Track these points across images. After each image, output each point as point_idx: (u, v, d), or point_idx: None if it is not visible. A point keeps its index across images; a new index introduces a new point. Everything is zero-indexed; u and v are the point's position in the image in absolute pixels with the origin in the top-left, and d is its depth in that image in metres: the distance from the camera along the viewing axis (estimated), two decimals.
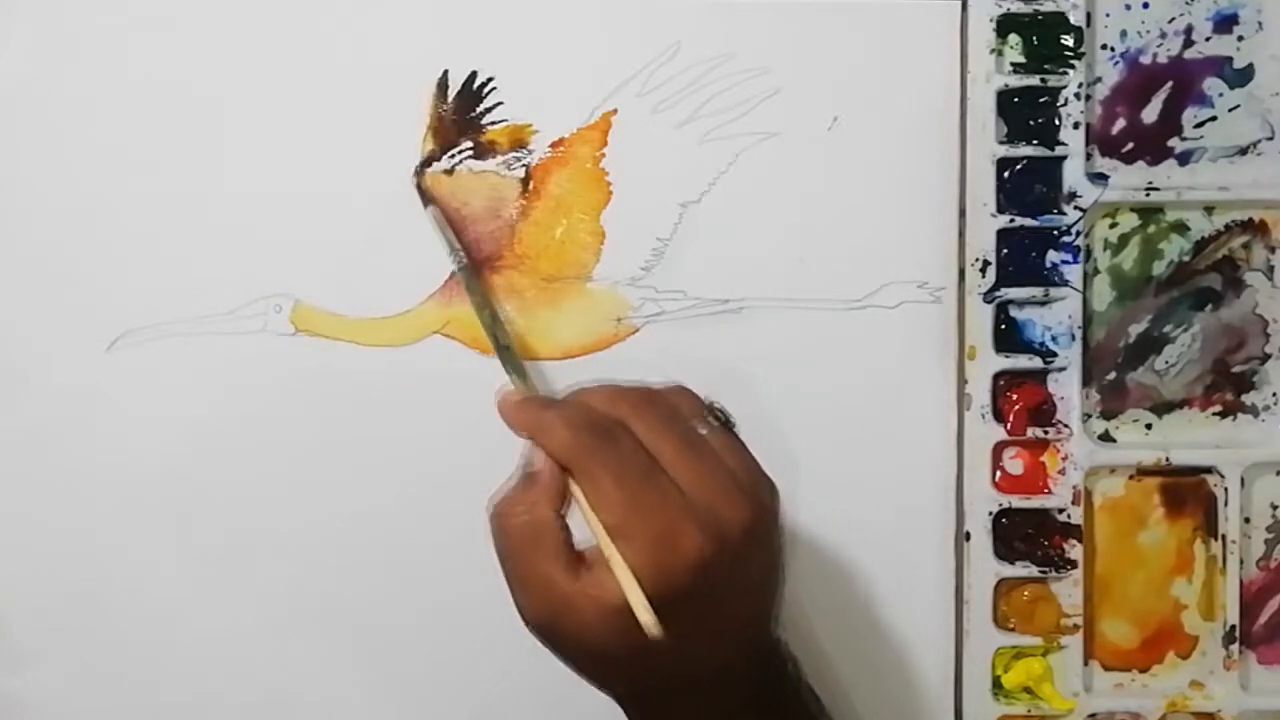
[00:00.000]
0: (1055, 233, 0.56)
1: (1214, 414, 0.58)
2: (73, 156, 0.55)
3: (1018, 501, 0.56)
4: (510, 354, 0.53)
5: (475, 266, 0.55)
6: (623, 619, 0.43)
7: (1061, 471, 0.57)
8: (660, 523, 0.43)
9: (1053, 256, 0.56)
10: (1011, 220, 0.56)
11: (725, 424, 0.47)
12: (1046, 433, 0.57)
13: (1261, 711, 0.57)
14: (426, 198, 0.55)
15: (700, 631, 0.44)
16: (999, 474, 0.57)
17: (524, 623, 0.46)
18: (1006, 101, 0.56)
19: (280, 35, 0.55)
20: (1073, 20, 0.56)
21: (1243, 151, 0.57)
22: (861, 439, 0.56)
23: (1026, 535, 0.57)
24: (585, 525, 0.45)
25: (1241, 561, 0.57)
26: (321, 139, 0.55)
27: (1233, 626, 0.57)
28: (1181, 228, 0.57)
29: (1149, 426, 0.58)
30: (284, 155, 0.55)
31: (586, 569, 0.44)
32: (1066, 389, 0.57)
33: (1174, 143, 0.57)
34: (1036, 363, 0.56)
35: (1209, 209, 0.57)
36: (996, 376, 0.56)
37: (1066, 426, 0.57)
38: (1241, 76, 0.57)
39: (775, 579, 0.48)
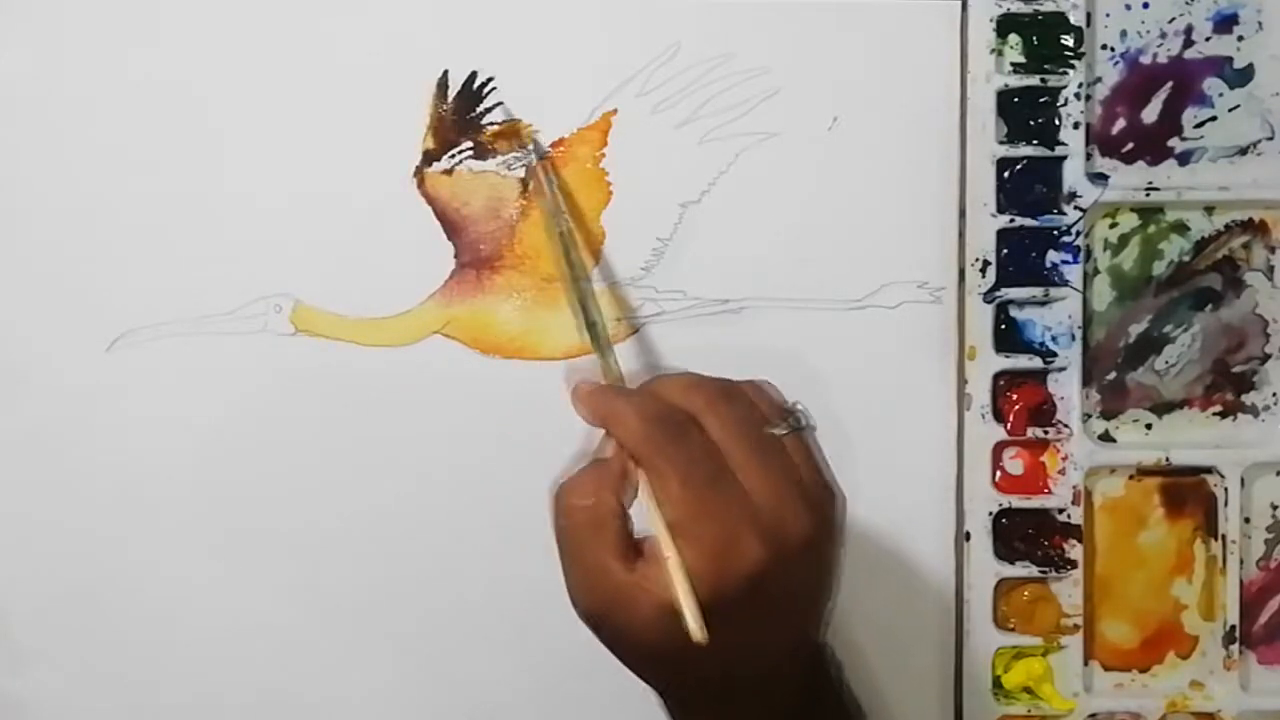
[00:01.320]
0: (1055, 233, 0.56)
1: (1214, 414, 0.58)
2: (73, 156, 0.55)
3: (1018, 501, 0.56)
4: (599, 332, 0.52)
5: (572, 237, 0.54)
6: (673, 616, 0.43)
7: (1061, 471, 0.57)
8: (722, 528, 0.43)
9: (1053, 256, 0.56)
10: (1011, 220, 0.56)
11: (801, 427, 0.47)
12: (1046, 433, 0.57)
13: (1261, 711, 0.57)
14: (540, 153, 0.55)
15: (749, 637, 0.44)
16: (999, 474, 0.57)
17: (574, 608, 0.46)
18: (1006, 101, 0.56)
19: (280, 35, 0.55)
20: (1073, 20, 0.56)
21: (1243, 151, 0.57)
22: (861, 439, 0.56)
23: (1026, 535, 0.57)
24: (646, 517, 0.44)
25: (1241, 561, 0.57)
26: (321, 139, 0.55)
27: (1233, 626, 0.57)
28: (1181, 228, 0.57)
29: (1149, 426, 0.58)
30: (284, 155, 0.55)
31: (644, 562, 0.44)
32: (1066, 389, 0.57)
33: (1174, 143, 0.57)
34: (1036, 363, 0.56)
35: (1209, 209, 0.57)
36: (996, 376, 0.56)
37: (1066, 426, 0.57)
38: (1241, 76, 0.57)
39: (829, 587, 0.47)
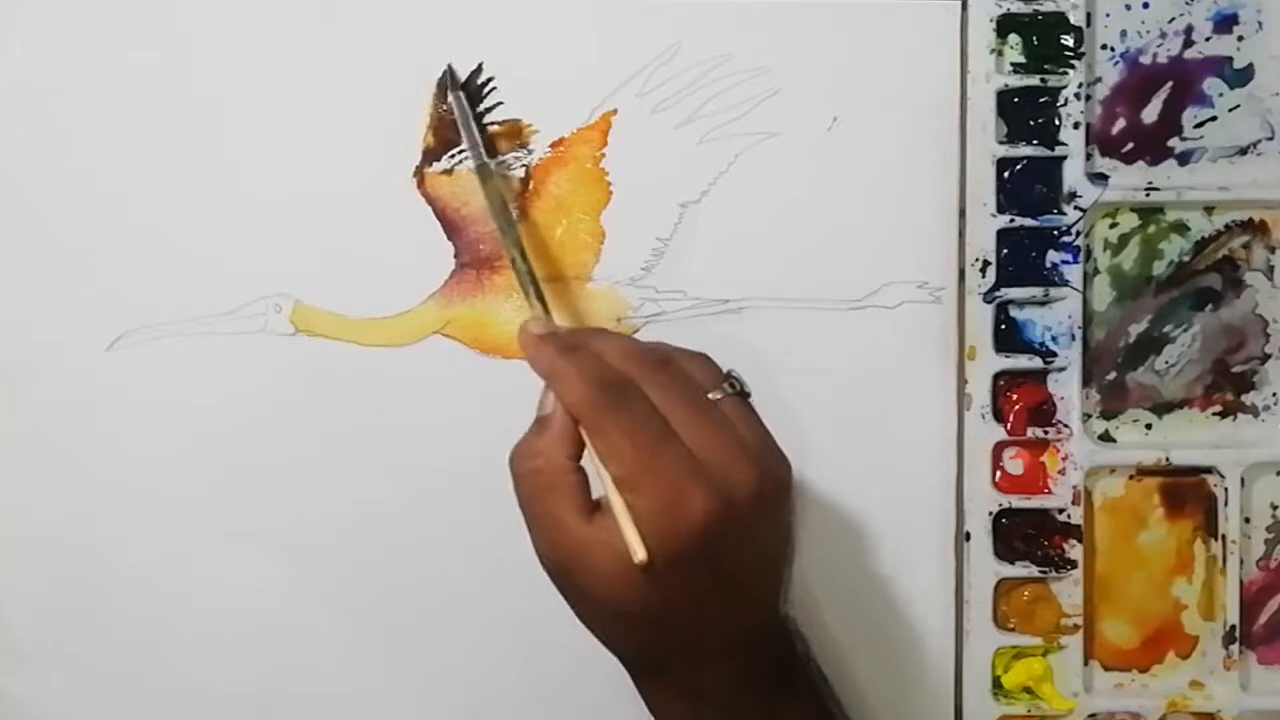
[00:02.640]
0: (1055, 233, 0.56)
1: (1214, 414, 0.58)
2: (73, 156, 0.55)
3: (1018, 501, 0.56)
4: (516, 268, 0.52)
5: (497, 176, 0.54)
6: (631, 568, 0.44)
7: (1061, 471, 0.57)
8: (669, 481, 0.44)
9: (1053, 256, 0.56)
10: (1011, 220, 0.56)
11: (740, 393, 0.48)
12: (1046, 433, 0.57)
13: (1261, 711, 0.57)
14: (454, 85, 0.55)
15: (707, 597, 0.45)
16: (999, 474, 0.57)
17: (542, 567, 0.47)
18: (1006, 101, 0.56)
19: (280, 35, 0.55)
20: (1073, 20, 0.56)
21: (1243, 151, 0.57)
22: (861, 439, 0.56)
23: (1026, 535, 0.57)
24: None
25: (1241, 561, 0.57)
26: (321, 139, 0.55)
27: (1233, 626, 0.57)
28: (1181, 228, 0.57)
29: (1149, 426, 0.58)
30: (284, 155, 0.55)
31: (600, 515, 0.45)
32: (1066, 389, 0.57)
33: (1174, 143, 0.57)
34: (1036, 363, 0.56)
35: (1209, 209, 0.57)
36: (996, 376, 0.56)
37: (1066, 426, 0.57)
38: (1241, 76, 0.57)
39: (785, 552, 0.48)
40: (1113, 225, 0.57)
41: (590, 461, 0.46)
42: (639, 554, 0.43)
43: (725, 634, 0.46)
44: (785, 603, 0.49)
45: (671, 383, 0.46)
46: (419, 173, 0.55)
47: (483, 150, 0.54)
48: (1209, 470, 0.57)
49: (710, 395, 0.47)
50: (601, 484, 0.45)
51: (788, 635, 0.50)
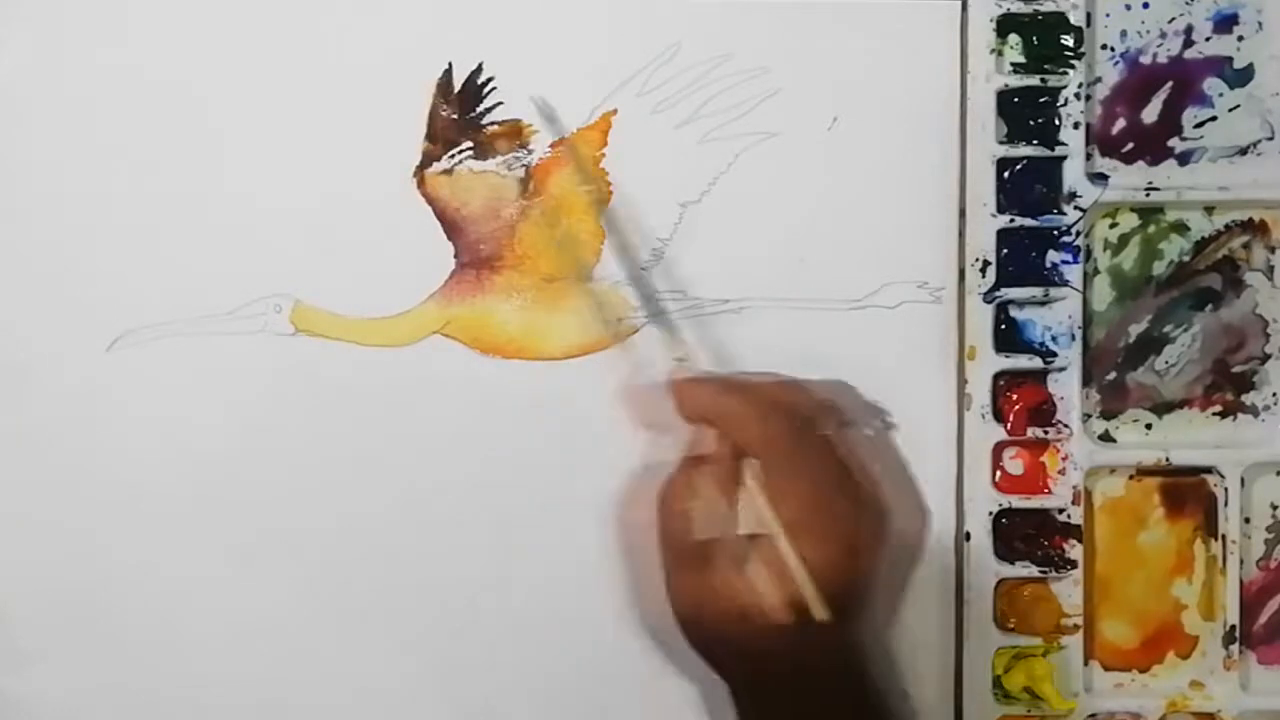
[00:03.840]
0: (1055, 233, 0.56)
1: (1214, 414, 0.58)
2: (73, 156, 0.55)
3: (1018, 501, 0.56)
4: (664, 315, 0.52)
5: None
6: (779, 618, 0.43)
7: (1061, 471, 0.57)
8: (848, 532, 0.43)
9: (1053, 256, 0.56)
10: (1011, 220, 0.56)
11: (891, 425, 0.47)
12: (1046, 433, 0.57)
13: (1261, 711, 0.57)
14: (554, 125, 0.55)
15: (846, 632, 0.44)
16: (999, 474, 0.57)
17: (672, 611, 0.45)
18: (1006, 101, 0.56)
19: (280, 35, 0.55)
20: (1073, 20, 0.56)
21: (1243, 151, 0.57)
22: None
23: (1026, 535, 0.57)
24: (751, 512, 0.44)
25: (1241, 561, 0.57)
26: (322, 139, 0.55)
27: (1233, 626, 0.57)
28: (1181, 228, 0.57)
29: (1149, 426, 0.58)
30: (284, 155, 0.55)
31: (751, 564, 0.44)
32: (1066, 389, 0.57)
33: (1174, 143, 0.57)
34: (1036, 363, 0.56)
35: (1209, 209, 0.57)
36: (996, 376, 0.56)
37: (1066, 426, 0.57)
38: (1241, 76, 0.57)
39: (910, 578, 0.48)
40: (1113, 225, 0.57)
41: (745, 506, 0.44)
42: (821, 614, 0.42)
43: (843, 657, 0.46)
44: (893, 626, 0.49)
45: (840, 419, 0.45)
46: (419, 173, 0.55)
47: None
48: (1209, 470, 0.57)
49: (867, 433, 0.46)
50: (767, 528, 0.43)
51: (888, 656, 0.49)
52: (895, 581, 0.45)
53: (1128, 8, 0.56)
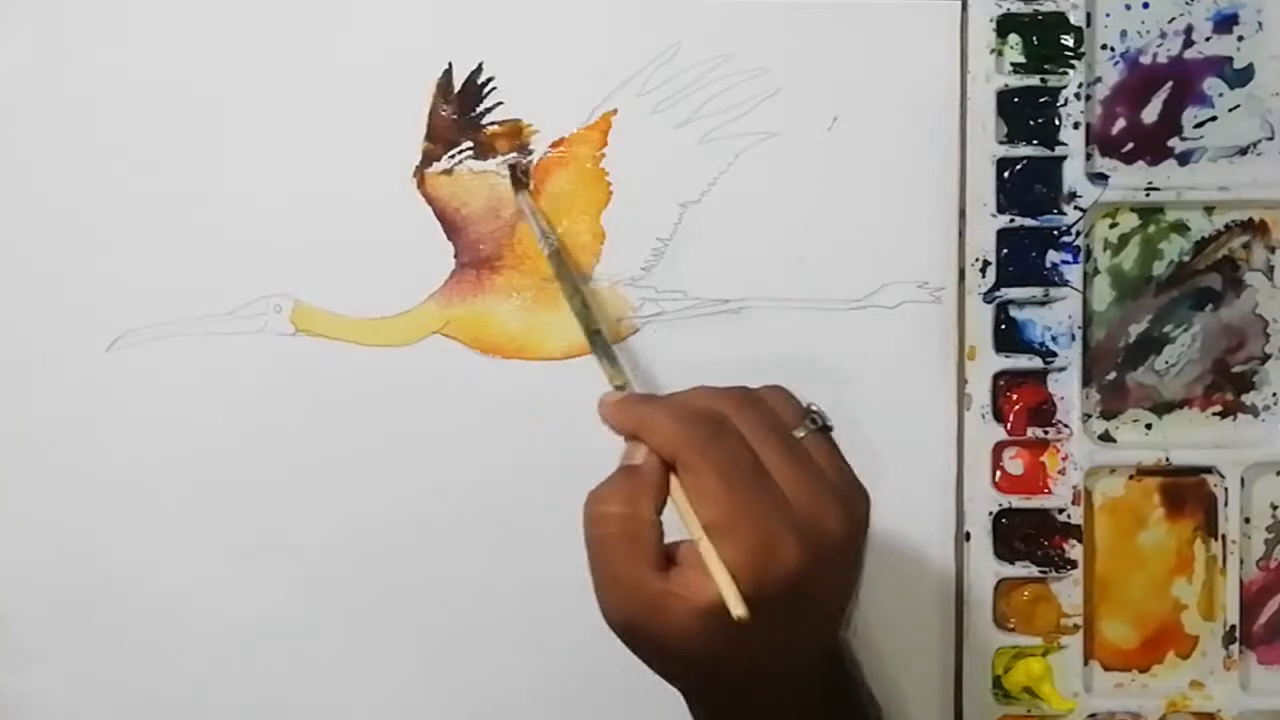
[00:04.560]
0: (1055, 233, 0.56)
1: (1214, 414, 0.58)
2: (73, 156, 0.55)
3: (1018, 501, 0.56)
4: (601, 339, 0.52)
5: (565, 250, 0.55)
6: (710, 622, 0.42)
7: (1061, 471, 0.57)
8: (763, 529, 0.42)
9: (1053, 256, 0.56)
10: (1011, 220, 0.56)
11: (823, 428, 0.47)
12: (1046, 433, 0.57)
13: (1261, 711, 0.57)
14: (520, 183, 0.55)
15: (781, 634, 0.44)
16: (999, 474, 0.57)
17: (605, 619, 0.45)
18: (1006, 101, 0.56)
19: (280, 35, 0.55)
20: (1073, 20, 0.56)
21: (1243, 151, 0.57)
22: (861, 439, 0.56)
23: (1026, 535, 0.57)
24: (678, 520, 0.44)
25: (1241, 561, 0.57)
26: (321, 139, 0.55)
27: (1233, 626, 0.57)
28: (1181, 228, 0.57)
29: (1149, 426, 0.58)
30: (284, 155, 0.55)
31: (677, 569, 0.43)
32: (1066, 389, 0.57)
33: (1174, 143, 0.57)
34: (1036, 363, 0.56)
35: (1209, 209, 0.57)
36: (996, 376, 0.56)
37: (1066, 426, 0.57)
38: (1241, 76, 0.57)
39: (856, 584, 0.47)
40: (1113, 225, 0.57)
41: (671, 513, 0.44)
42: (738, 610, 0.41)
43: (792, 662, 0.45)
44: (846, 628, 0.48)
45: (760, 420, 0.45)
46: (419, 173, 0.55)
47: (555, 238, 0.54)
48: (1209, 470, 0.57)
49: (795, 432, 0.45)
50: (689, 532, 0.43)
51: (846, 660, 0.49)
52: (832, 585, 0.45)
53: (1128, 8, 0.56)
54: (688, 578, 0.43)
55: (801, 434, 0.45)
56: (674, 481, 0.44)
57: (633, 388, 0.51)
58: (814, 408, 0.47)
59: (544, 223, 0.55)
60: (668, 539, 0.44)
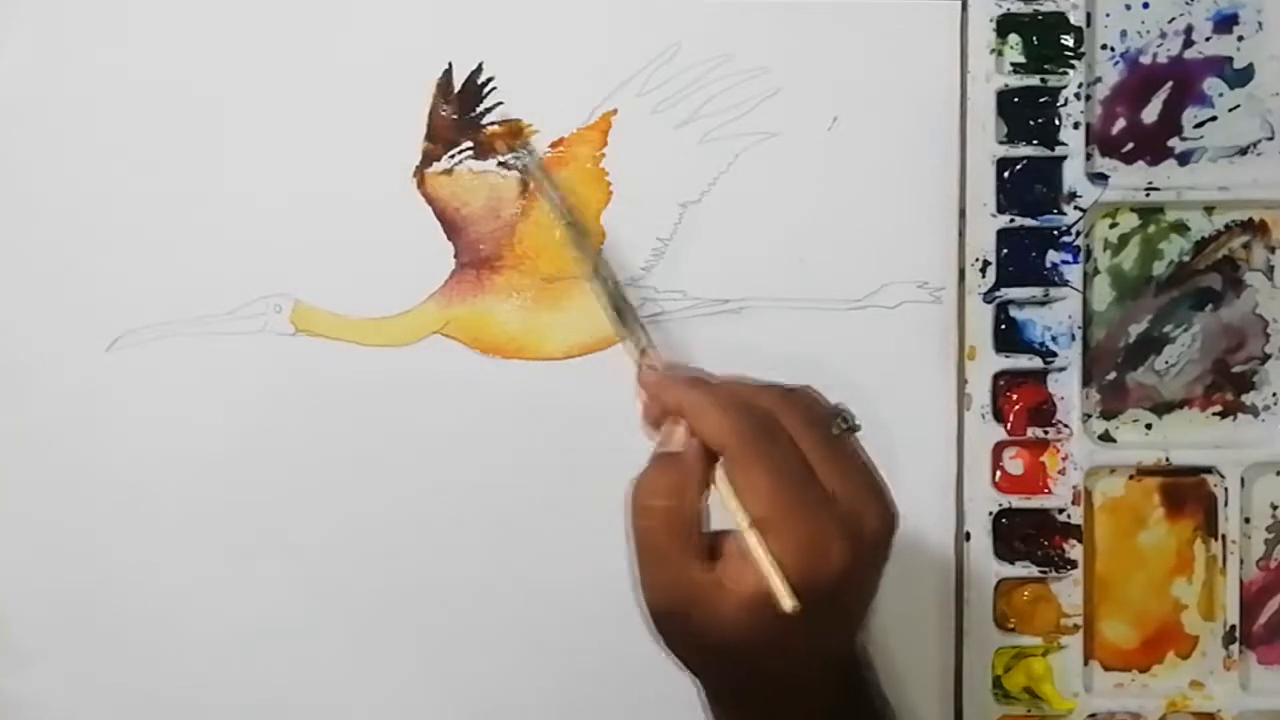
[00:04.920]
0: (1055, 233, 0.56)
1: (1214, 414, 0.58)
2: (73, 156, 0.55)
3: (1018, 501, 0.56)
4: (630, 308, 0.52)
5: (581, 227, 0.55)
6: (754, 613, 0.42)
7: (1061, 471, 0.57)
8: (812, 526, 0.42)
9: (1053, 256, 0.56)
10: (1011, 220, 0.56)
11: (851, 427, 0.47)
12: (1046, 433, 0.57)
13: (1261, 711, 0.57)
14: (526, 162, 0.55)
15: (820, 630, 0.44)
16: (999, 474, 0.57)
17: (647, 607, 0.45)
18: (1006, 101, 0.56)
19: (280, 35, 0.55)
20: (1073, 20, 0.56)
21: (1243, 151, 0.57)
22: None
23: (1026, 535, 0.57)
24: (723, 509, 0.44)
25: (1241, 561, 0.57)
26: (321, 139, 0.55)
27: (1233, 626, 0.57)
28: (1181, 228, 0.57)
29: (1149, 426, 0.58)
30: (284, 155, 0.55)
31: (722, 560, 0.43)
32: (1066, 389, 0.57)
33: (1174, 143, 0.57)
34: (1036, 363, 0.56)
35: (1209, 209, 0.57)
36: (996, 376, 0.56)
37: (1066, 426, 0.57)
38: (1241, 76, 0.57)
39: (879, 584, 0.47)
40: (1113, 225, 0.57)
41: (716, 500, 0.44)
42: (788, 604, 0.41)
43: (819, 662, 0.45)
44: (866, 631, 0.48)
45: (802, 417, 0.45)
46: (419, 173, 0.55)
47: (572, 212, 0.54)
48: (1209, 470, 0.57)
49: (832, 431, 0.45)
50: (735, 522, 0.43)
51: (861, 662, 0.49)
52: (865, 585, 0.45)
53: (1128, 8, 0.56)
54: (735, 568, 0.43)
55: (836, 433, 0.45)
56: (718, 472, 0.44)
57: (655, 352, 0.50)
58: (843, 407, 0.47)
59: (558, 195, 0.54)
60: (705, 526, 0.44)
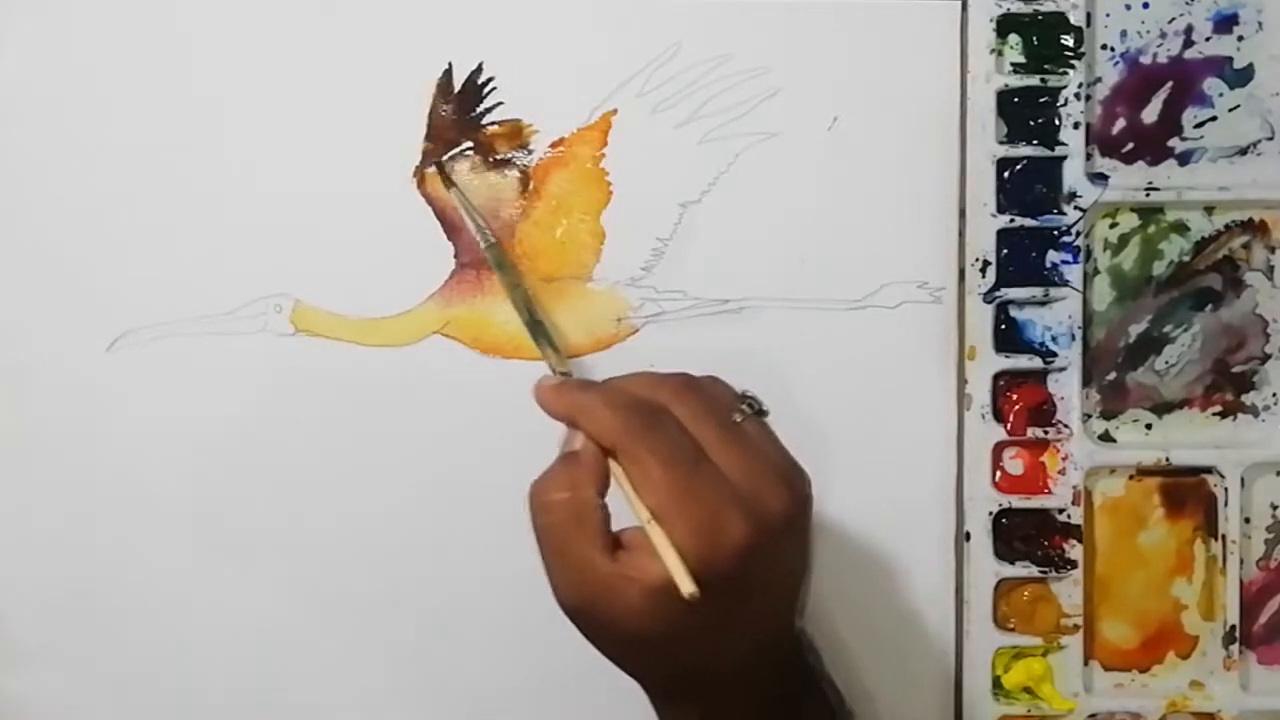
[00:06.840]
0: (1055, 233, 0.56)
1: (1214, 414, 0.58)
2: (74, 157, 0.55)
3: (1018, 501, 0.57)
4: (543, 329, 0.53)
5: (501, 245, 0.55)
6: (660, 602, 0.43)
7: (1061, 471, 0.57)
8: (707, 508, 0.43)
9: (1053, 256, 0.56)
10: (1011, 220, 0.56)
11: (758, 412, 0.47)
12: (1046, 433, 0.57)
13: (1261, 711, 0.57)
14: (448, 181, 0.55)
15: (734, 619, 0.45)
16: (999, 474, 0.57)
17: (559, 605, 0.46)
18: (1006, 101, 0.56)
19: (280, 35, 0.55)
20: (1073, 20, 0.56)
21: (1243, 151, 0.57)
22: (862, 439, 0.56)
23: (1026, 535, 0.57)
24: (626, 506, 0.44)
25: (1241, 561, 0.57)
26: (321, 139, 0.55)
27: (1233, 626, 0.57)
28: (1181, 228, 0.57)
29: (1149, 426, 0.58)
30: (284, 155, 0.55)
31: (625, 551, 0.44)
32: (1066, 389, 0.57)
33: (1174, 143, 0.57)
34: (1036, 363, 0.56)
35: (1209, 209, 0.57)
36: (996, 376, 0.56)
37: (1066, 426, 0.57)
38: (1241, 76, 0.57)
39: (806, 567, 0.48)
40: (1113, 225, 0.57)
41: (616, 496, 0.45)
42: (688, 588, 0.42)
43: (747, 651, 0.46)
44: (801, 617, 0.49)
45: (697, 404, 0.46)
46: (419, 173, 0.55)
47: (489, 232, 0.54)
48: (1209, 470, 0.57)
49: (732, 417, 0.46)
50: (636, 517, 0.44)
51: (803, 648, 0.50)
52: (779, 567, 0.45)
53: (1128, 8, 0.56)
54: (637, 559, 0.44)
55: (738, 419, 0.46)
56: (616, 468, 0.45)
57: (574, 375, 0.51)
58: (749, 394, 0.48)
59: (479, 218, 0.55)
60: (614, 527, 0.45)
